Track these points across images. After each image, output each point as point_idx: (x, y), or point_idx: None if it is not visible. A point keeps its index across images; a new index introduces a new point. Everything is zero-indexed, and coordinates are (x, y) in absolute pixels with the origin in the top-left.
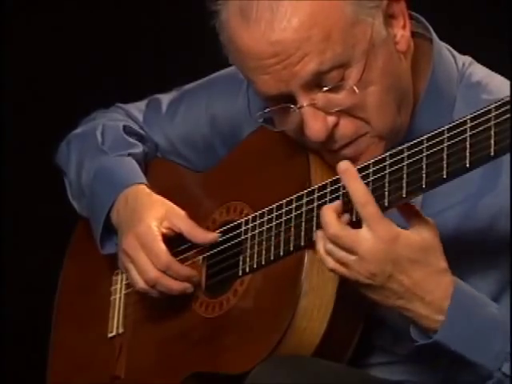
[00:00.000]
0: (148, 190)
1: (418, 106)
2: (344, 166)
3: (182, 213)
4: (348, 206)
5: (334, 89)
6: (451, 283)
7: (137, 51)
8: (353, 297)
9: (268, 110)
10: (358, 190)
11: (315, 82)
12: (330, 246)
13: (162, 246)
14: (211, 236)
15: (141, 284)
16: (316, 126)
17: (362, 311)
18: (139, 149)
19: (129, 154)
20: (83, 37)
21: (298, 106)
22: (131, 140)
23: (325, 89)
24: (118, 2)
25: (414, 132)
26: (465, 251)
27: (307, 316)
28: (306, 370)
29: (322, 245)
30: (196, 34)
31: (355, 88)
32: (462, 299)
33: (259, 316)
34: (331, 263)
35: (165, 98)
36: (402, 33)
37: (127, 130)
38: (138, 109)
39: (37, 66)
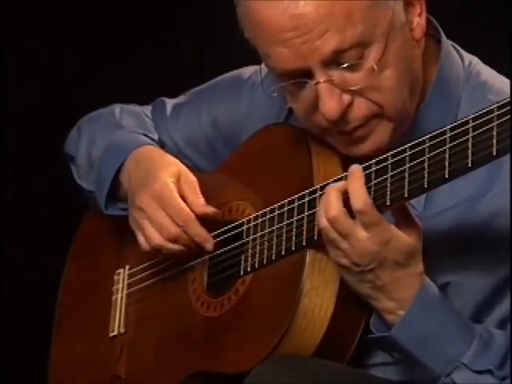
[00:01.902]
0: (161, 151)
1: (424, 103)
2: (355, 168)
3: (193, 178)
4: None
5: (352, 67)
6: (421, 285)
7: (139, 53)
8: (354, 297)
9: (283, 84)
10: (358, 198)
11: (333, 59)
12: (325, 224)
13: (181, 202)
14: (208, 209)
15: (157, 240)
16: (331, 103)
17: (363, 311)
18: (155, 136)
19: (144, 135)
20: (84, 36)
21: (315, 81)
22: (149, 125)
23: (343, 65)
24: (120, 3)
25: (420, 129)
26: (464, 251)
27: (308, 315)
28: (306, 370)
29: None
30: (199, 38)
31: (375, 66)
32: (425, 301)
33: (260, 315)
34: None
35: (170, 101)
36: (418, 20)
37: (146, 117)
38: (147, 110)
39: (37, 66)
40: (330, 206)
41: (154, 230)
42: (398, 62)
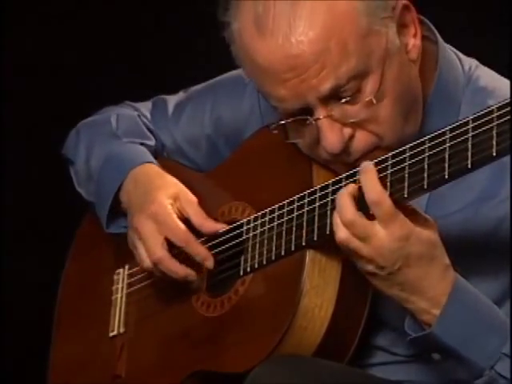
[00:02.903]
0: (159, 170)
1: (424, 110)
2: (367, 165)
3: (193, 198)
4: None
5: (351, 100)
6: (452, 279)
7: (139, 51)
8: (354, 297)
9: (283, 122)
10: (373, 189)
11: (332, 95)
12: (344, 235)
13: (179, 222)
14: (217, 226)
15: (147, 263)
16: (333, 138)
17: (363, 311)
18: (152, 142)
19: (141, 144)
20: (85, 36)
21: (315, 117)
22: (146, 131)
23: (342, 100)
24: (120, 2)
25: (421, 136)
26: (467, 255)
27: (308, 315)
28: (306, 370)
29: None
30: (199, 37)
31: (373, 99)
32: (461, 295)
33: (260, 315)
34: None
35: (171, 99)
36: (413, 42)
37: (142, 121)
38: (145, 107)
39: (37, 66)
40: (343, 209)
41: (145, 252)
42: (396, 88)
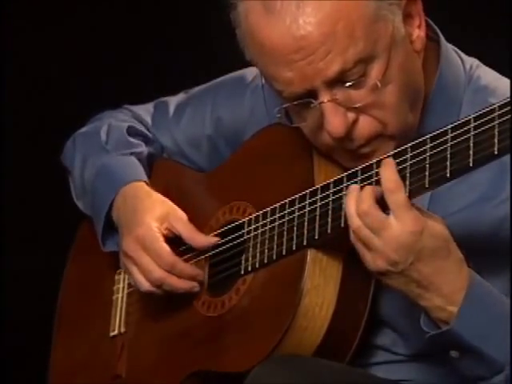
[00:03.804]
0: (147, 188)
1: (425, 109)
2: (387, 159)
3: (183, 215)
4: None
5: (356, 85)
6: (468, 274)
7: (139, 53)
8: (355, 296)
9: (287, 105)
10: (390, 177)
11: (337, 79)
12: (358, 223)
13: (165, 246)
14: (210, 240)
15: (146, 286)
16: (336, 122)
17: (364, 310)
18: (141, 148)
19: (131, 154)
20: (85, 37)
21: (319, 101)
22: (133, 140)
23: (347, 84)
24: (121, 3)
25: (421, 135)
26: (468, 255)
27: (308, 315)
28: (306, 370)
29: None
30: (200, 38)
31: (378, 83)
32: (478, 290)
33: (261, 315)
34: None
35: (172, 101)
36: (417, 32)
37: (131, 130)
38: (146, 111)
39: (38, 66)
40: (362, 198)
41: (141, 276)
42: (400, 76)
